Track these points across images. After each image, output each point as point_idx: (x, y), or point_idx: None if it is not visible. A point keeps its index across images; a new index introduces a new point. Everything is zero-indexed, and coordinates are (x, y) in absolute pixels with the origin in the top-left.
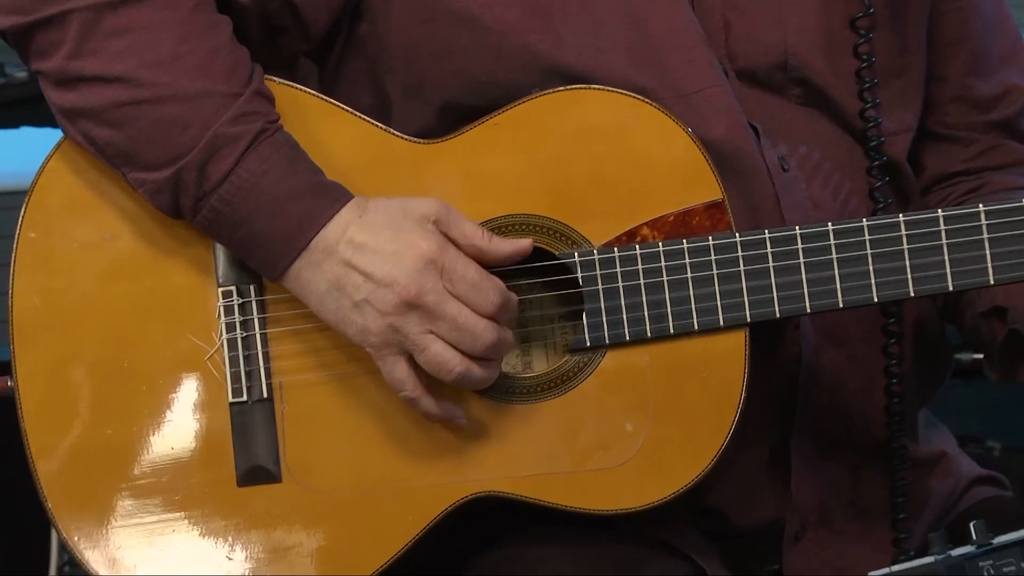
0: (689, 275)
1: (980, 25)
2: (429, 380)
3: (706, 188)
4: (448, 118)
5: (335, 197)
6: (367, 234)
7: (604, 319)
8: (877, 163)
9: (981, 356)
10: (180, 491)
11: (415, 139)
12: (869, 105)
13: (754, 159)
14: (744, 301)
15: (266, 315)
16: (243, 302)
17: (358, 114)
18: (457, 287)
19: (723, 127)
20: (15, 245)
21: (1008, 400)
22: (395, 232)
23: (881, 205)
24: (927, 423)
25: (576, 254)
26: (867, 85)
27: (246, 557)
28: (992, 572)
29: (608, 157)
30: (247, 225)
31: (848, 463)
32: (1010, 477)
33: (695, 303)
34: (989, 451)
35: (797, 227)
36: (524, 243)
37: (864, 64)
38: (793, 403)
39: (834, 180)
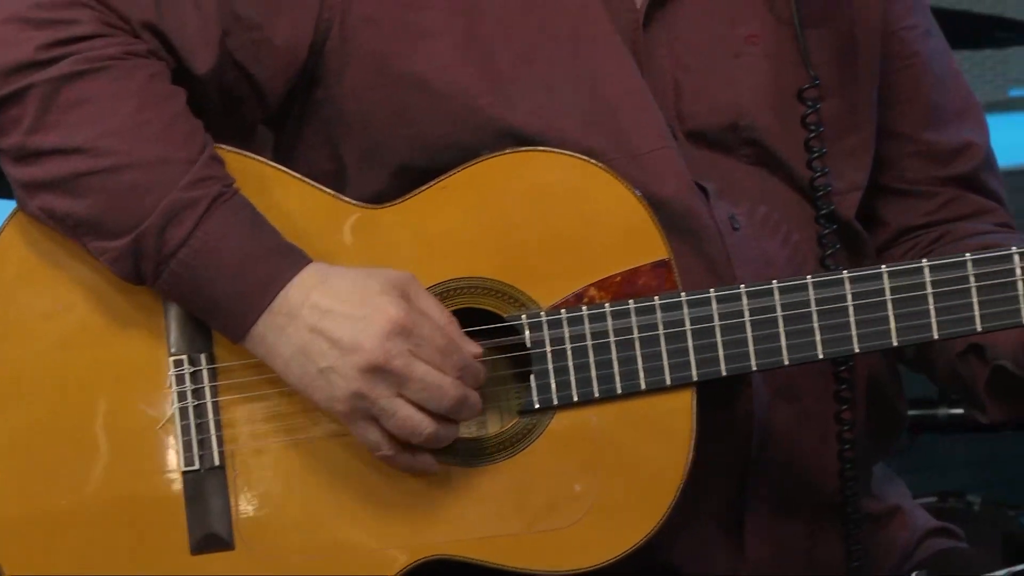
0: (636, 335)
1: (931, 81)
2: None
3: (653, 247)
4: (403, 181)
5: (295, 259)
6: (332, 299)
7: (552, 380)
8: (828, 231)
9: (960, 411)
10: (136, 559)
11: (364, 204)
12: (819, 174)
13: (704, 218)
14: (691, 360)
15: (218, 383)
16: (195, 370)
17: (307, 180)
18: (423, 351)
19: (672, 187)
20: None
21: (987, 455)
22: (363, 297)
23: (830, 251)
24: (883, 477)
25: (524, 316)
26: (815, 155)
27: None
28: None
29: (556, 218)
30: (208, 288)
31: (802, 519)
32: (991, 529)
33: (642, 362)
34: (969, 505)
35: (742, 285)
36: (476, 349)
37: (812, 135)
38: (746, 460)
39: (782, 233)
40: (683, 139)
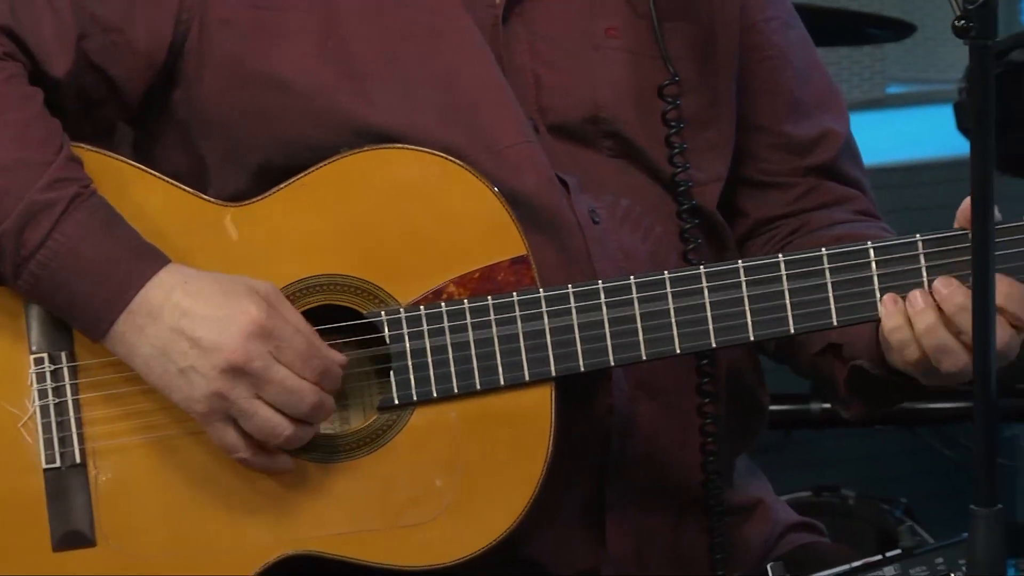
0: (494, 331)
1: (791, 74)
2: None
3: (511, 244)
4: (264, 180)
5: (152, 259)
6: (194, 299)
7: (412, 376)
8: (690, 226)
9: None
10: None
11: (224, 202)
12: (680, 170)
13: (564, 212)
14: (549, 355)
15: (79, 381)
16: (55, 368)
17: (166, 179)
18: (283, 354)
19: (533, 181)
20: None
21: (862, 450)
22: (225, 298)
23: (692, 246)
24: (746, 470)
25: (383, 313)
26: (677, 151)
27: None
28: None
29: (414, 216)
30: (67, 289)
31: (666, 511)
32: (865, 524)
33: (501, 358)
34: (844, 500)
35: (600, 281)
36: (341, 359)
37: (673, 131)
38: (607, 454)
39: (643, 227)
40: (545, 133)
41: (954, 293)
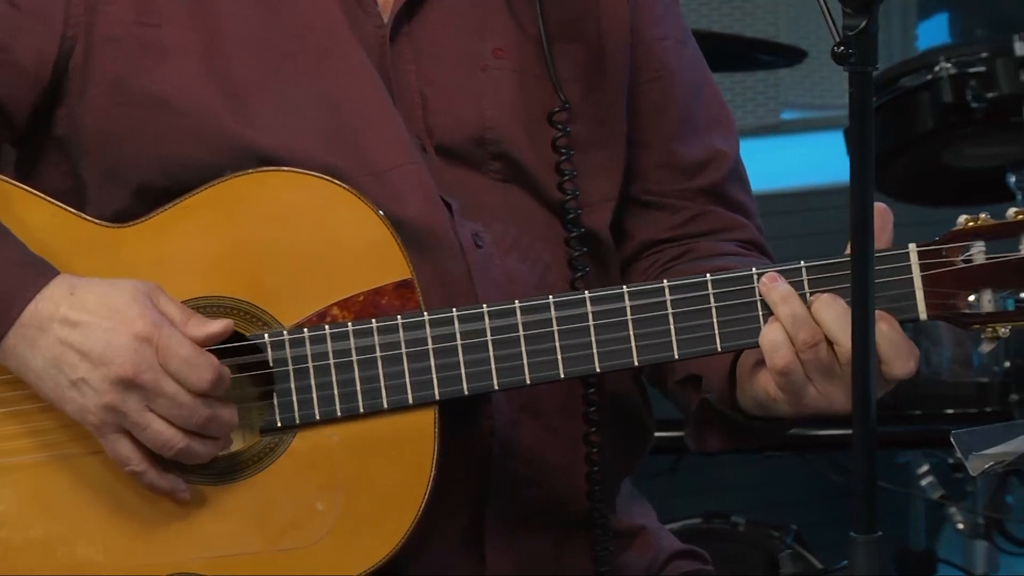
0: (378, 354)
1: (681, 92)
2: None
3: (395, 268)
4: (145, 200)
5: (41, 272)
6: (81, 312)
7: (295, 399)
8: (578, 254)
9: None
10: None
11: (105, 223)
12: (569, 197)
13: (447, 236)
14: (433, 379)
15: None
16: None
17: (48, 198)
18: (171, 364)
19: (416, 204)
20: None
21: (754, 477)
22: (112, 309)
23: (580, 274)
24: (629, 496)
25: (266, 335)
26: (566, 177)
27: None
28: None
29: (299, 238)
30: None
31: (549, 535)
32: (755, 550)
33: (384, 381)
34: (734, 526)
35: (484, 305)
36: (221, 324)
37: (563, 158)
38: (487, 475)
39: (532, 254)
40: (433, 154)
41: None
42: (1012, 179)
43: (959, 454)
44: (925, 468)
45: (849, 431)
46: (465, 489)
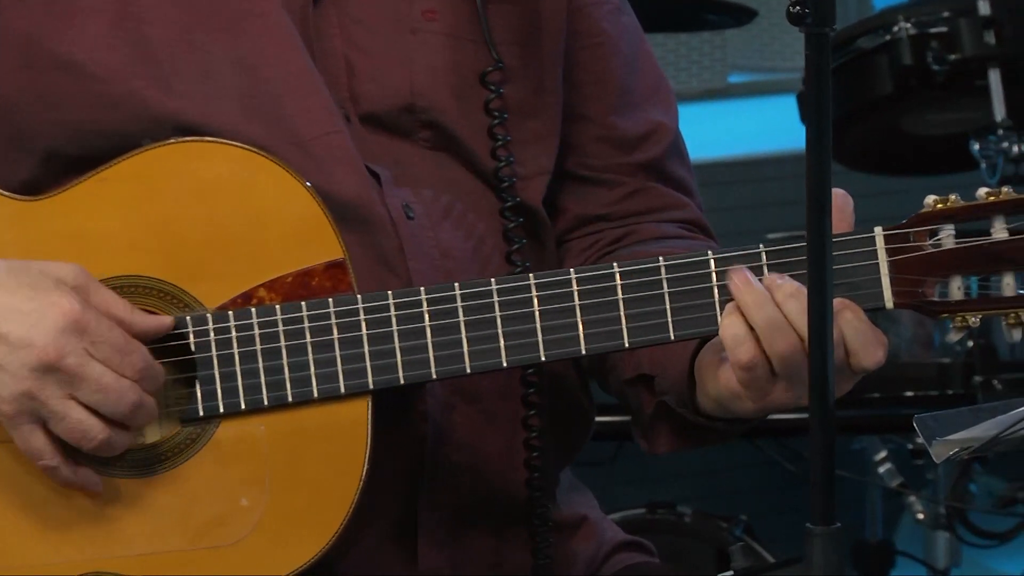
0: (308, 339)
1: (619, 62)
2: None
3: (326, 247)
4: (55, 169)
5: None
6: (1, 293)
7: (218, 387)
8: (513, 224)
9: None
10: None
11: (17, 196)
12: (504, 164)
13: (375, 207)
14: (367, 367)
15: None
16: None
17: None
18: (100, 350)
19: (341, 174)
20: None
21: (699, 465)
22: (34, 291)
23: (516, 247)
24: (569, 485)
25: (188, 318)
26: (500, 143)
27: None
28: None
29: (223, 214)
30: None
31: (486, 526)
32: (701, 541)
33: (315, 369)
34: (680, 517)
35: (422, 288)
36: (166, 320)
37: (496, 122)
38: (420, 464)
39: (466, 225)
40: (357, 123)
41: (783, 281)
42: (976, 147)
43: (920, 439)
44: (883, 454)
45: (802, 415)
46: (397, 478)
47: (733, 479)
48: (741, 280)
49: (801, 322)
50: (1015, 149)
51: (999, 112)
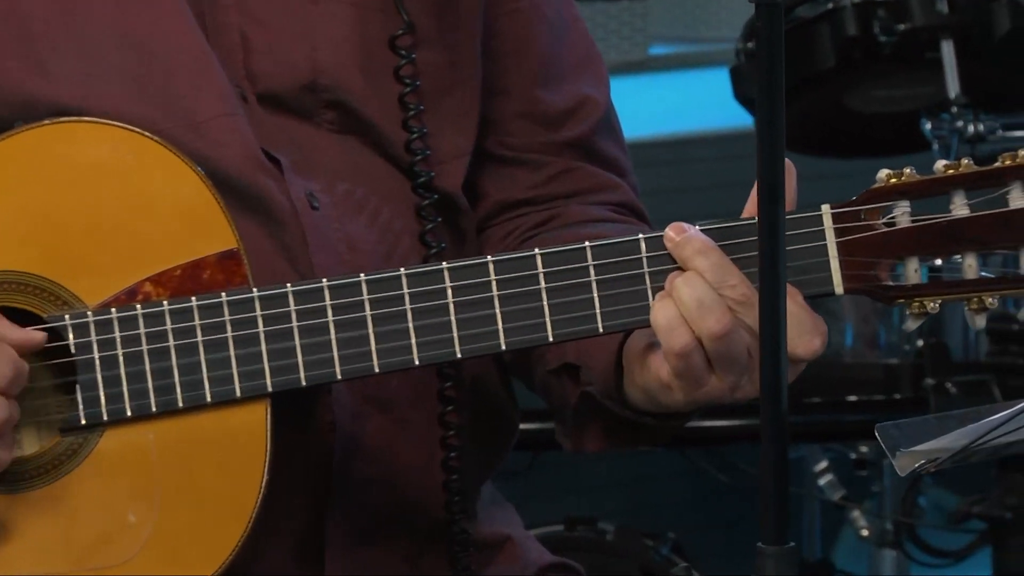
0: (199, 338)
1: (543, 29)
2: None
3: (219, 236)
4: None
5: None
6: None
7: (101, 392)
8: (428, 202)
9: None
10: None
11: None
12: (416, 135)
13: (275, 196)
14: (264, 367)
15: None
16: None
17: None
18: None
19: (238, 160)
20: None
21: (622, 476)
22: None
23: (434, 250)
24: (491, 502)
25: (67, 317)
26: (412, 113)
27: None
28: None
29: (105, 202)
30: None
31: (401, 545)
32: (624, 560)
33: (207, 371)
34: (602, 534)
35: (325, 280)
36: (36, 337)
37: (408, 89)
38: (328, 476)
39: (381, 218)
40: (255, 103)
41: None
42: (928, 126)
43: (865, 448)
44: (823, 465)
45: (736, 422)
46: (302, 493)
47: (659, 491)
48: (675, 229)
49: (737, 305)
50: (971, 128)
51: (953, 88)
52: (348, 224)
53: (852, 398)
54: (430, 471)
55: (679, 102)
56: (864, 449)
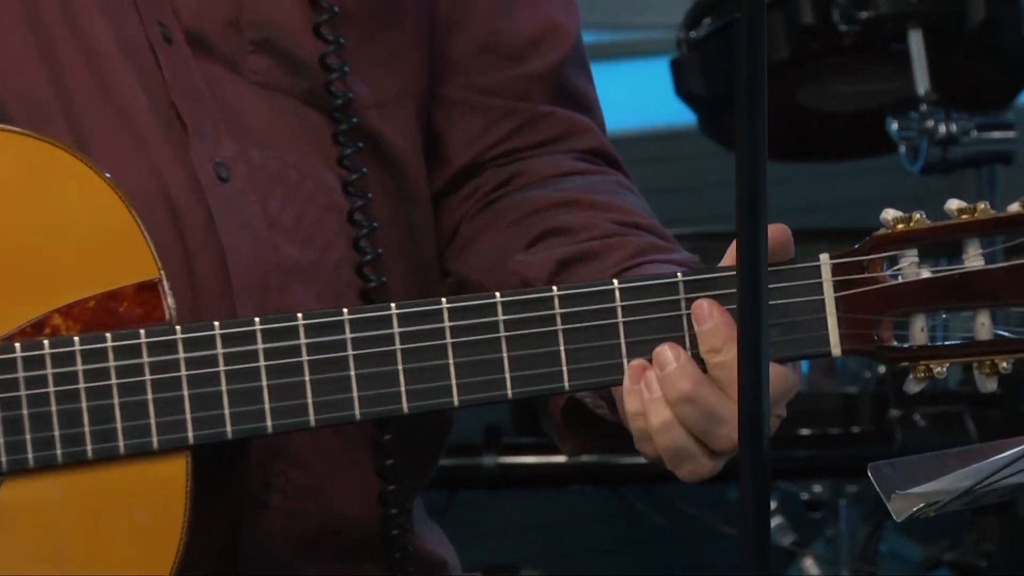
0: (113, 380)
1: None
2: None
3: (138, 264)
4: None
5: None
6: None
7: (1, 439)
8: (345, 127)
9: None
10: None
11: None
12: (336, 74)
13: (171, 165)
14: (186, 418)
15: None
16: None
17: None
18: None
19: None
20: None
21: (547, 516)
22: None
23: (368, 257)
24: (421, 520)
25: None
26: (332, 48)
27: None
28: None
29: (9, 221)
30: None
31: (328, 560)
32: None
33: (121, 419)
34: None
35: (257, 319)
36: None
37: (324, 18)
38: (252, 499)
39: (302, 194)
40: (182, 44)
41: (678, 373)
42: (894, 126)
43: (818, 489)
44: (772, 506)
45: None
46: (218, 504)
47: (589, 534)
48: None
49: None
50: (942, 129)
51: (922, 84)
52: (264, 197)
53: (804, 431)
54: (362, 485)
55: (615, 97)
56: (817, 489)
